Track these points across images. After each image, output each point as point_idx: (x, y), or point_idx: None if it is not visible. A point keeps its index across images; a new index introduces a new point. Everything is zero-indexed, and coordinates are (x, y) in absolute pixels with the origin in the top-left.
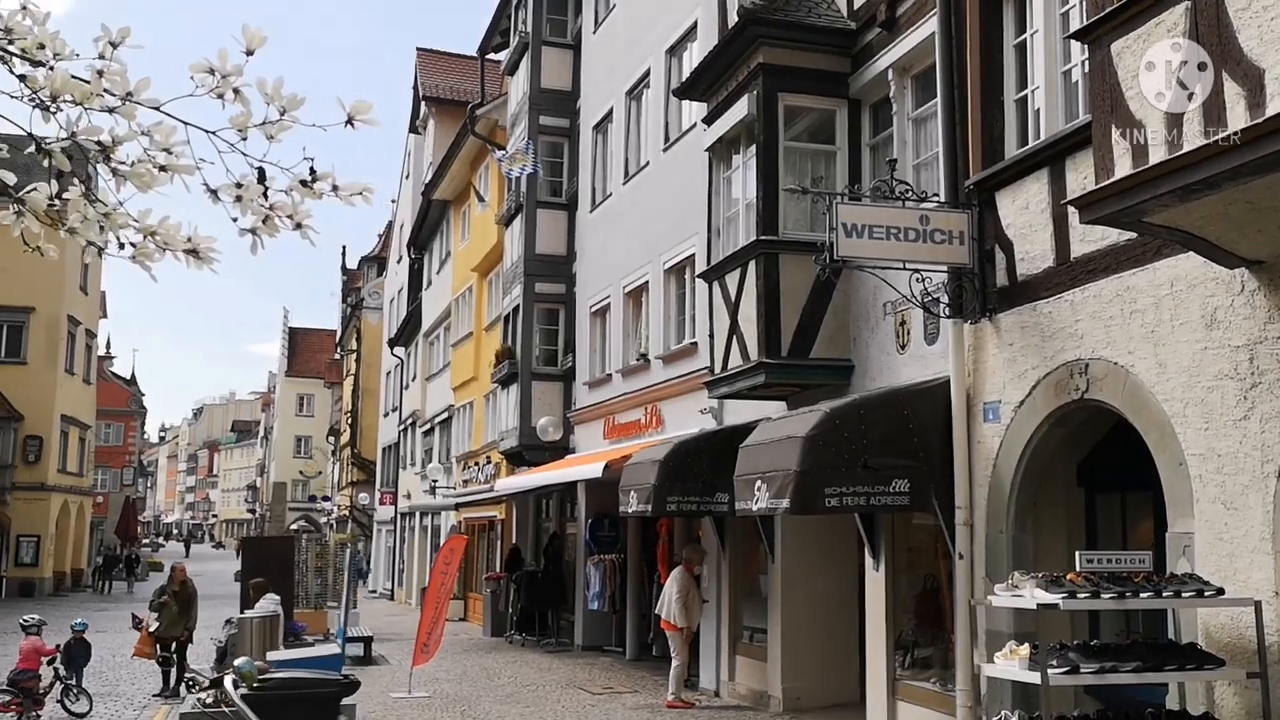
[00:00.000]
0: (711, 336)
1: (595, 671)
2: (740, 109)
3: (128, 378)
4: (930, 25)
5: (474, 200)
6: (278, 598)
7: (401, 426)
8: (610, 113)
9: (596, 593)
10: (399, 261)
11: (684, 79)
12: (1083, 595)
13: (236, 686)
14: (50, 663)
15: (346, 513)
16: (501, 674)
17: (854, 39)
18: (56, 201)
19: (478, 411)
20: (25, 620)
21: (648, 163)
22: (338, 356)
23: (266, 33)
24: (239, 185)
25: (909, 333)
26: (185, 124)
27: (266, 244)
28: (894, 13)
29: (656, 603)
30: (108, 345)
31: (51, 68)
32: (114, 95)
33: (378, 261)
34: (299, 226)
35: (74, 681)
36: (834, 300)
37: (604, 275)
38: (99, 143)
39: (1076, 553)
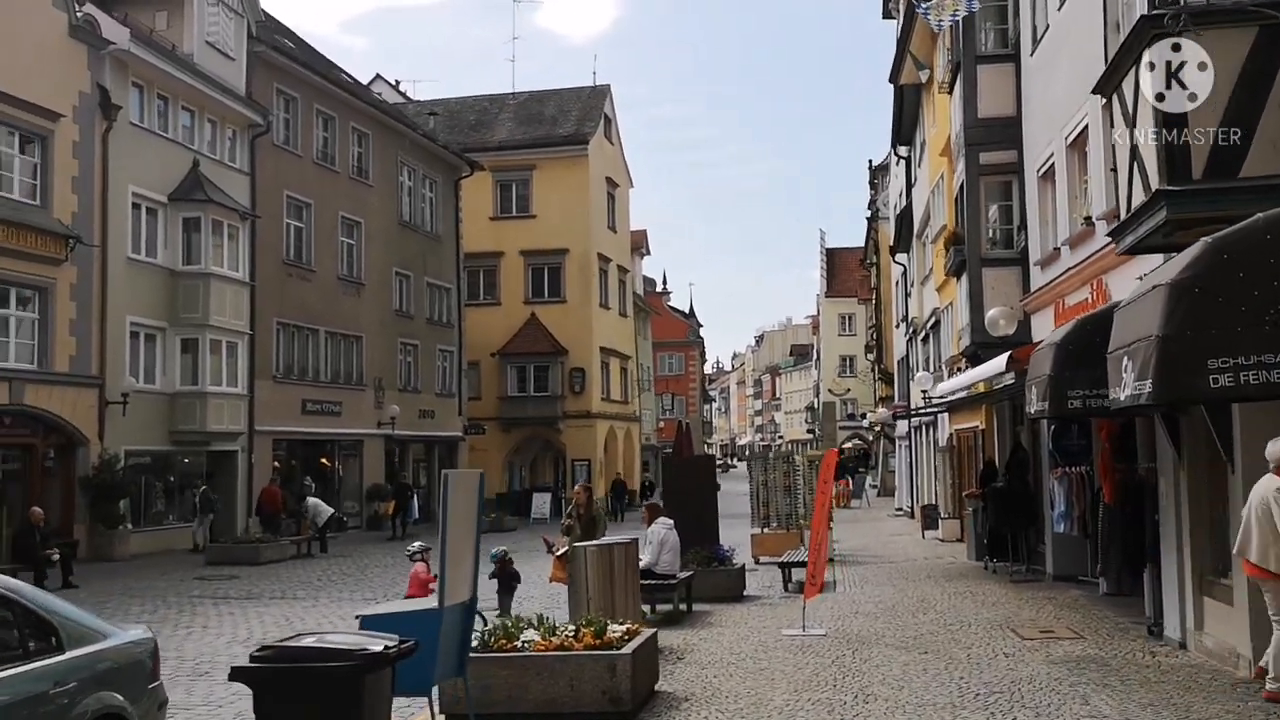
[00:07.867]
0: (1114, 172)
1: (1048, 610)
2: None
3: (685, 311)
4: None
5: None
6: (670, 521)
7: (906, 336)
8: None
9: (1062, 512)
10: (897, 164)
11: None
12: None
13: None
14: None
15: (879, 429)
16: (935, 608)
17: None
18: None
19: (956, 311)
20: (411, 549)
21: None
22: (866, 272)
23: None
24: None
25: None
26: None
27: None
28: None
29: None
30: (664, 281)
31: None
32: None
33: (887, 169)
34: None
35: (498, 608)
36: (1275, 88)
37: (1046, 128)
38: None
39: None
